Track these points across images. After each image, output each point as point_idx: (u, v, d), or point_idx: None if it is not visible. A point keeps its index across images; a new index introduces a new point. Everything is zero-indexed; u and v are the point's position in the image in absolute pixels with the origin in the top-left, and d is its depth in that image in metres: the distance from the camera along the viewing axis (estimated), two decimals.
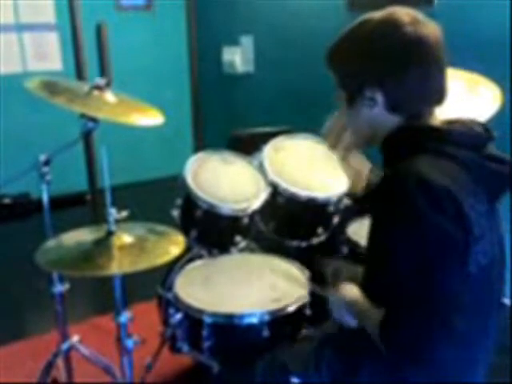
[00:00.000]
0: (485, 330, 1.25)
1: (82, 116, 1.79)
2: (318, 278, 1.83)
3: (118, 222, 1.71)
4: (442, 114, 1.26)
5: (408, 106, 1.19)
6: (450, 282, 1.10)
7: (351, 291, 1.32)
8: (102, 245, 1.67)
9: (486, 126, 1.20)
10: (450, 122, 1.20)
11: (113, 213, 1.69)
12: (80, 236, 1.76)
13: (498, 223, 1.21)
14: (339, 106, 1.31)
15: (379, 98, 1.17)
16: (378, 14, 1.18)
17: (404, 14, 1.16)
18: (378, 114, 1.20)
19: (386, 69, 1.15)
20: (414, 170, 1.10)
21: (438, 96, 1.22)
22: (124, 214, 1.71)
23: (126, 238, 1.69)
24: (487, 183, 1.15)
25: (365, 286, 1.26)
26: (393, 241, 1.12)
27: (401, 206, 1.10)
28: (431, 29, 1.17)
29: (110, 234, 1.69)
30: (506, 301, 2.58)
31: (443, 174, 1.09)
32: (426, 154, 1.13)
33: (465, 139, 1.15)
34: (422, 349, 1.11)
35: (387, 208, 1.13)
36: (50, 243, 1.75)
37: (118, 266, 1.60)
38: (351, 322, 1.31)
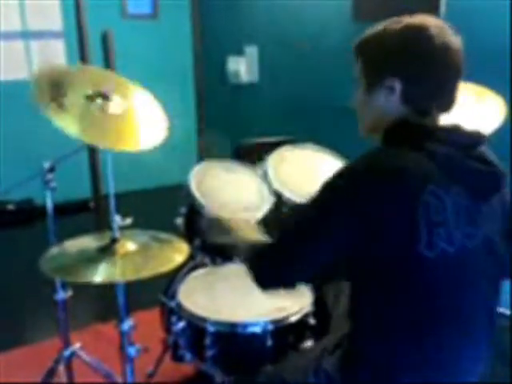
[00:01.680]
0: (460, 330, 1.24)
1: None
2: (318, 300, 1.82)
3: (121, 229, 1.72)
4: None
5: (420, 101, 1.27)
6: (390, 256, 1.16)
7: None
8: (106, 252, 1.67)
9: (478, 131, 1.26)
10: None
11: (117, 220, 1.69)
12: (84, 243, 1.76)
13: (484, 222, 1.24)
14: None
15: (398, 88, 1.25)
16: (409, 18, 1.29)
17: (432, 20, 1.27)
18: (392, 102, 1.27)
19: (409, 64, 1.25)
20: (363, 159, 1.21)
21: (449, 101, 1.29)
22: (128, 221, 1.72)
23: (130, 246, 1.69)
24: (467, 180, 1.21)
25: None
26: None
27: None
28: (454, 38, 1.26)
29: (113, 241, 1.69)
30: (504, 310, 2.58)
31: (398, 160, 1.17)
32: (403, 147, 1.20)
33: (450, 136, 1.22)
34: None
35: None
36: (54, 250, 1.75)
37: (121, 273, 1.60)
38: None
